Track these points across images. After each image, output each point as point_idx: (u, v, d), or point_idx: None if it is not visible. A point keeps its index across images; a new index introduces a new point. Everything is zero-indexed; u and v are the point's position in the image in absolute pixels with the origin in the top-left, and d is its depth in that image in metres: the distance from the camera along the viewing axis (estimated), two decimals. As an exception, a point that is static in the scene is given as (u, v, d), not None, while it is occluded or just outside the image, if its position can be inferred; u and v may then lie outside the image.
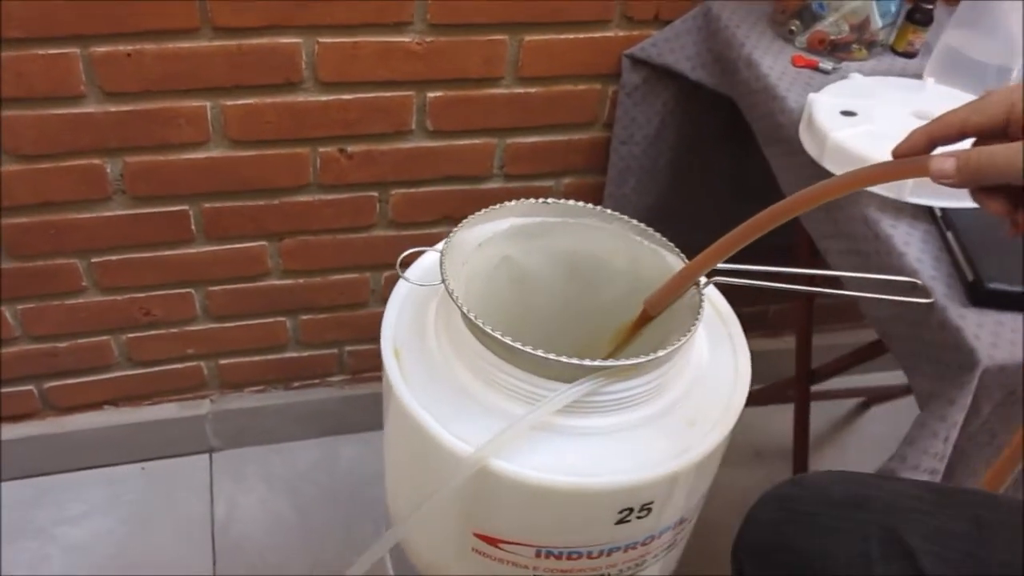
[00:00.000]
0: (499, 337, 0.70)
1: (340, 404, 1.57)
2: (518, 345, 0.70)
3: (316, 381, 1.55)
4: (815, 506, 0.66)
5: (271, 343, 1.47)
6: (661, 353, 0.71)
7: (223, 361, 1.47)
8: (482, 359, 0.74)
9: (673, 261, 0.83)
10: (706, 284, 0.78)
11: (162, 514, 1.48)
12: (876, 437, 1.77)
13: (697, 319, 0.75)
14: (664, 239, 0.84)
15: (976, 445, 0.85)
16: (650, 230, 0.84)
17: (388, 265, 1.41)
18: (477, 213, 0.82)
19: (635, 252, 0.85)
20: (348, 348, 1.52)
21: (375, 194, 1.31)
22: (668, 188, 1.36)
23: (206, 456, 1.57)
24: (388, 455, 0.89)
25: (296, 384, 1.55)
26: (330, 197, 1.29)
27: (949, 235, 0.88)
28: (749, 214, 1.41)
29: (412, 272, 0.86)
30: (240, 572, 1.42)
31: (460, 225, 0.80)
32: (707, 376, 0.81)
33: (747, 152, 1.34)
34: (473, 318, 0.71)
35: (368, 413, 1.60)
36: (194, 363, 1.46)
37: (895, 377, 1.72)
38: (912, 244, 0.88)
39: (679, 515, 0.81)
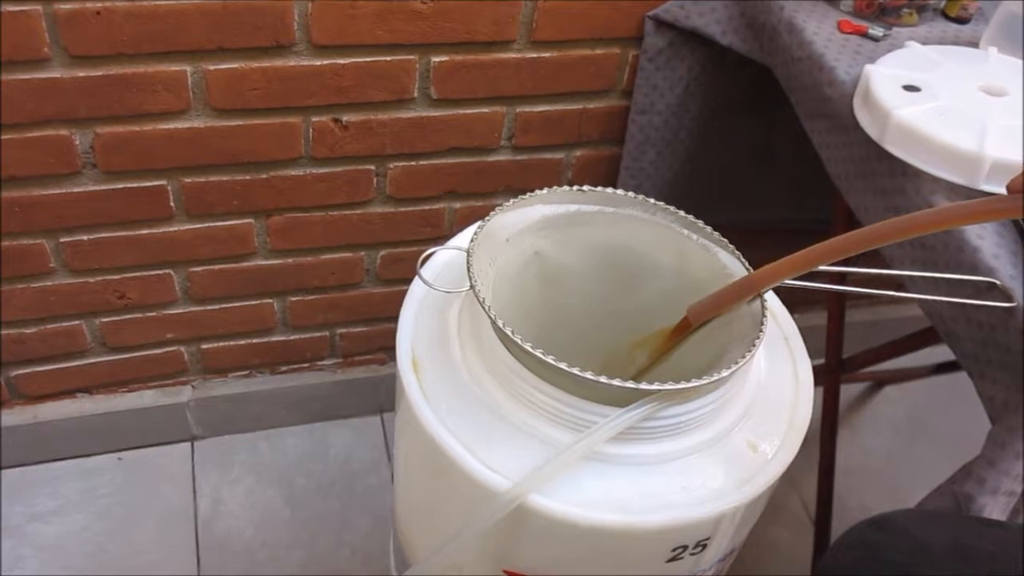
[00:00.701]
0: (541, 357, 0.60)
1: (332, 389, 1.47)
2: (564, 366, 0.60)
3: (306, 365, 1.45)
4: (912, 556, 0.57)
5: (257, 326, 1.37)
6: (726, 372, 0.62)
7: (205, 346, 1.37)
8: (518, 376, 0.64)
9: (726, 259, 0.73)
10: (766, 289, 0.69)
11: (141, 508, 1.38)
12: (890, 419, 1.70)
13: (761, 331, 0.66)
14: (716, 234, 0.74)
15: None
16: (699, 223, 0.74)
17: (384, 243, 1.30)
18: (505, 204, 0.71)
19: (682, 247, 0.75)
20: (340, 330, 1.41)
21: (372, 167, 1.20)
22: (689, 161, 1.26)
23: (188, 445, 1.47)
24: (401, 477, 0.79)
25: (284, 368, 1.45)
26: (323, 171, 1.18)
27: (1027, 227, 0.79)
28: (776, 189, 1.32)
29: (427, 271, 0.76)
30: (227, 570, 1.33)
31: (487, 218, 0.70)
32: (767, 390, 0.71)
33: (773, 122, 1.24)
34: (510, 333, 0.61)
35: (362, 398, 1.50)
36: (174, 348, 1.35)
37: (910, 360, 1.65)
38: (987, 238, 0.79)
39: (732, 546, 0.72)
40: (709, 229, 0.74)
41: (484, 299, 0.63)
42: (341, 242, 1.28)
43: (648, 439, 0.64)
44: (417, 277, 0.71)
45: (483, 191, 1.26)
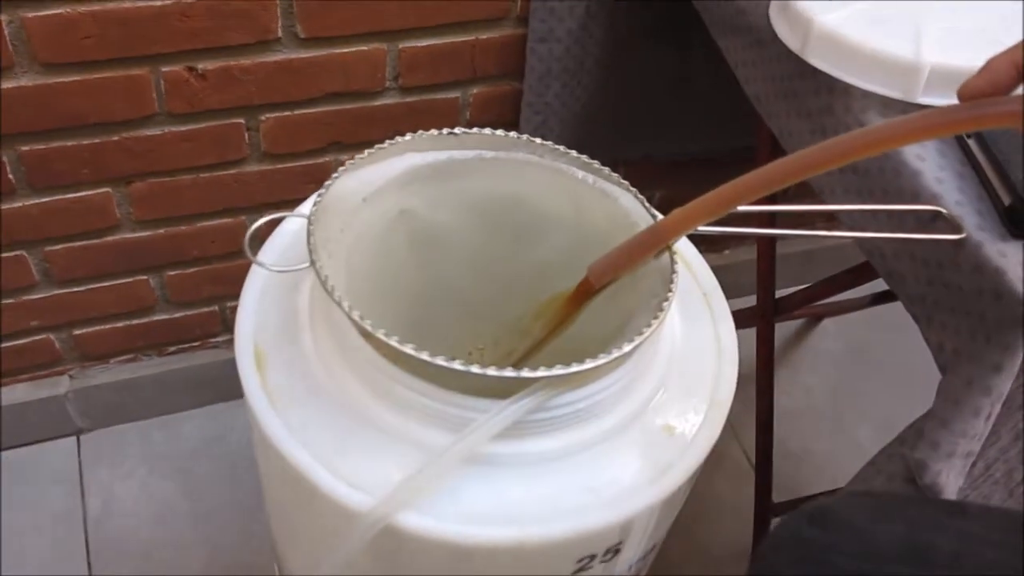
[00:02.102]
0: (397, 346, 0.48)
1: (227, 367, 1.31)
2: (425, 356, 0.48)
3: (196, 344, 1.32)
4: (860, 559, 0.47)
5: (135, 306, 1.23)
6: (627, 347, 0.51)
7: (78, 331, 1.22)
8: (378, 370, 0.52)
9: (628, 204, 0.62)
10: (676, 239, 0.57)
11: (26, 512, 1.25)
12: (830, 353, 1.62)
13: (670, 291, 0.54)
14: (615, 175, 0.62)
15: (1007, 411, 0.67)
16: (595, 163, 0.63)
17: (267, 205, 1.16)
18: (357, 157, 0.59)
19: (578, 194, 0.63)
20: (230, 304, 1.28)
21: (241, 121, 1.05)
22: (598, 92, 1.13)
23: (72, 440, 1.33)
24: (264, 490, 0.67)
25: (172, 349, 1.31)
26: (185, 128, 1.03)
27: (972, 144, 0.69)
28: (695, 117, 1.21)
29: (271, 248, 0.63)
30: (122, 574, 1.21)
31: (334, 177, 0.57)
32: (683, 359, 0.60)
33: (688, 44, 1.13)
34: (358, 319, 0.49)
35: (262, 375, 1.37)
36: (42, 336, 1.21)
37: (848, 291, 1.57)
38: (928, 159, 0.68)
39: (652, 543, 0.62)
40: (607, 170, 0.62)
41: (327, 277, 0.51)
42: (217, 207, 1.14)
43: (541, 433, 0.53)
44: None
45: (371, 139, 1.10)
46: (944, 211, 0.64)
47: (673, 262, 0.56)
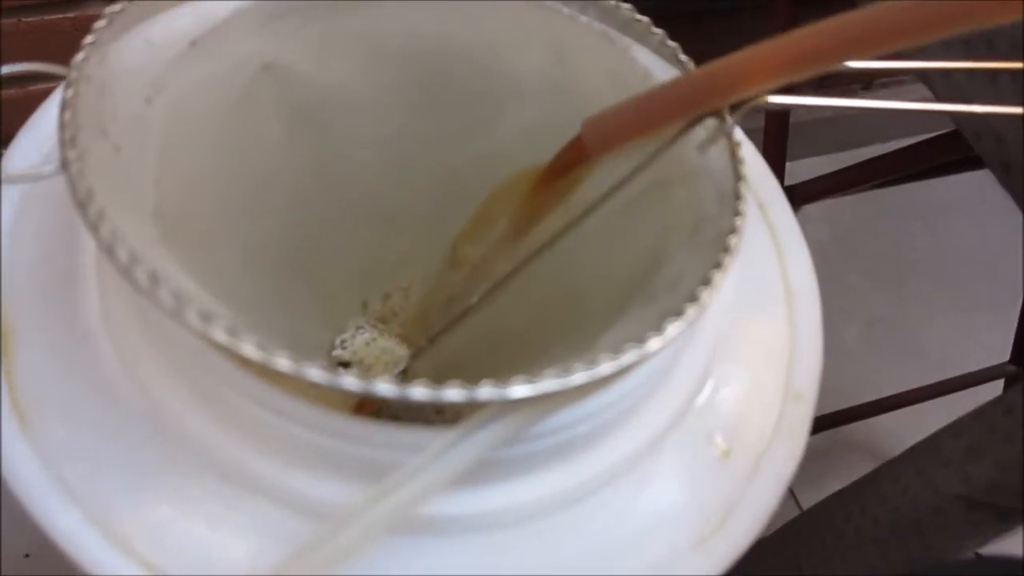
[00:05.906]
0: (227, 342, 0.24)
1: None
2: (285, 366, 0.23)
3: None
4: None
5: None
6: (672, 330, 0.27)
7: None
8: (217, 377, 0.28)
9: (645, 58, 0.37)
10: (736, 118, 0.33)
11: None
12: (815, 242, 1.38)
13: (738, 214, 0.30)
14: (629, 9, 0.37)
15: None
16: (592, -13, 0.37)
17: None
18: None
19: (565, 41, 0.38)
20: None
21: (74, -60, 0.77)
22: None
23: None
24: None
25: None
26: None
27: None
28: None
29: (34, 134, 0.37)
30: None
31: (125, -1, 0.31)
32: (739, 320, 0.37)
33: None
34: (144, 279, 0.24)
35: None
36: None
37: (824, 165, 1.32)
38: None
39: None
40: None
41: (90, 191, 0.25)
42: (54, 63, 0.86)
43: (512, 475, 0.29)
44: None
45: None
46: None
47: (737, 160, 0.32)
